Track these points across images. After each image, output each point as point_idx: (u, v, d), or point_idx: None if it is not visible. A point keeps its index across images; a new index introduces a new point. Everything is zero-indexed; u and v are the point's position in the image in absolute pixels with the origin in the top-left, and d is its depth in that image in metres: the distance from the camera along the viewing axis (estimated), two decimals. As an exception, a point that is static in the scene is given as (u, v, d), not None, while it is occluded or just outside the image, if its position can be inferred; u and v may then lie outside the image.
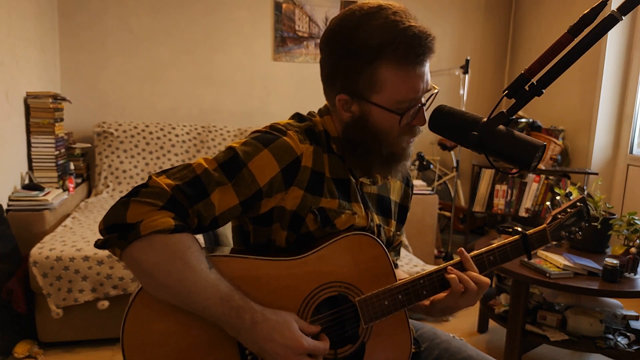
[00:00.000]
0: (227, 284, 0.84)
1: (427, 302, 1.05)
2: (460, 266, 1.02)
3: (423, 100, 0.95)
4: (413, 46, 0.87)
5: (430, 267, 2.53)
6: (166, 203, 0.83)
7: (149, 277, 0.82)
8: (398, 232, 1.18)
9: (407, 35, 0.87)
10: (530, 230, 1.12)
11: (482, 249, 1.06)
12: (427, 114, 0.97)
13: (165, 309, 0.85)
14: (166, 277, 0.81)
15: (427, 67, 0.92)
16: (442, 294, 1.02)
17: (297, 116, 1.05)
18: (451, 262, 1.03)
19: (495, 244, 1.08)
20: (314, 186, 0.97)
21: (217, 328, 0.85)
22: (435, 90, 0.97)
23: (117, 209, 0.83)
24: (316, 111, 1.07)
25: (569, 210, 1.18)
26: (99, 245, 0.84)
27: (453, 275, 0.99)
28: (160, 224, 0.81)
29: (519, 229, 1.11)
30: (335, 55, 0.94)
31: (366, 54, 0.89)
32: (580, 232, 1.19)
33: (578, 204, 1.19)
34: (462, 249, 1.02)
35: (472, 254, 1.05)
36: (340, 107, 0.97)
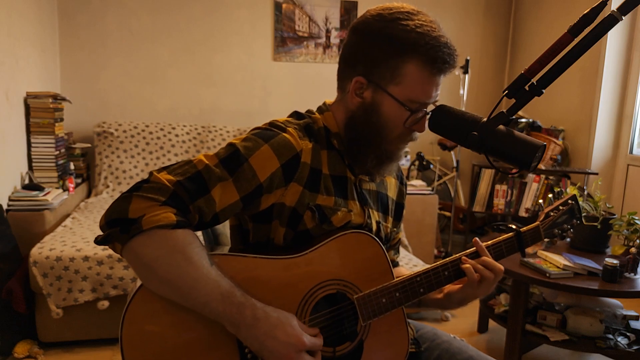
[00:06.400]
0: (227, 281, 0.84)
1: (440, 295, 1.06)
2: (475, 255, 1.03)
3: (428, 109, 0.97)
4: (443, 54, 0.91)
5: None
6: (168, 198, 0.83)
7: (150, 271, 0.82)
8: (395, 229, 1.18)
9: (440, 43, 0.92)
10: (524, 228, 1.12)
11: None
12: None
13: (164, 306, 0.85)
14: (167, 272, 0.81)
15: (442, 80, 0.96)
16: (458, 285, 1.03)
17: (295, 114, 1.06)
18: (465, 252, 1.04)
19: (490, 241, 1.08)
20: (311, 183, 0.98)
21: (216, 326, 0.85)
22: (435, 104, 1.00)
23: (118, 204, 0.83)
24: (315, 109, 1.08)
25: (561, 207, 1.19)
26: (99, 241, 0.84)
27: (468, 265, 1.00)
28: (162, 219, 0.81)
29: (513, 227, 1.12)
30: (368, 40, 0.96)
31: (399, 46, 0.92)
32: (572, 230, 1.20)
33: (570, 201, 1.20)
34: (477, 238, 1.04)
35: (467, 252, 1.05)
36: (353, 90, 0.98)
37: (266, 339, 0.83)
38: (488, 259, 1.01)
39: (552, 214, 1.18)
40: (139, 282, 0.87)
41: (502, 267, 1.01)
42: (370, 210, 1.07)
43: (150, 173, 0.87)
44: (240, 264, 0.90)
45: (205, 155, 0.91)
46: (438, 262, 1.02)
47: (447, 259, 1.03)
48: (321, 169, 0.99)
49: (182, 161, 0.90)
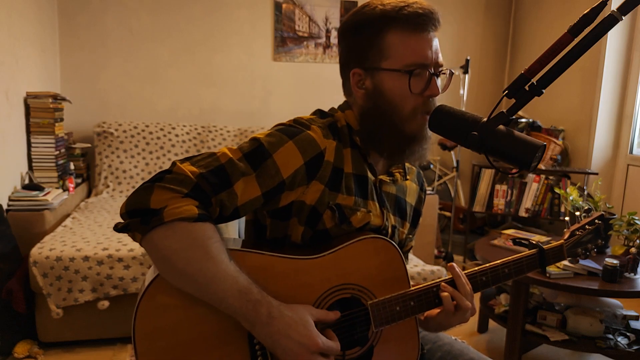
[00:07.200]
0: (245, 277, 0.84)
1: (422, 317, 1.05)
2: (453, 282, 1.00)
3: (434, 71, 0.96)
4: (416, 11, 0.93)
5: (432, 267, 2.52)
6: (190, 191, 0.83)
7: (168, 263, 0.82)
8: (410, 236, 1.18)
9: (408, 2, 0.94)
10: (547, 246, 1.10)
11: (498, 261, 1.05)
12: (440, 100, 0.98)
13: (177, 300, 0.85)
14: (186, 265, 0.81)
15: (435, 39, 0.96)
16: (435, 311, 1.01)
17: (319, 112, 1.06)
18: (446, 278, 1.01)
19: (512, 257, 1.06)
20: (333, 182, 0.97)
21: (227, 320, 0.85)
22: (448, 70, 0.99)
23: (140, 194, 0.82)
24: (336, 107, 1.08)
25: (587, 227, 1.16)
26: (119, 229, 0.84)
27: (446, 294, 0.98)
28: (184, 212, 0.80)
29: (535, 242, 1.10)
30: (349, 36, 1.00)
31: (373, 25, 0.95)
32: (595, 250, 1.17)
33: (597, 221, 1.17)
34: (453, 264, 1.01)
35: (487, 265, 1.03)
36: (354, 85, 1.00)
37: (280, 337, 0.83)
38: (463, 289, 0.98)
39: (577, 232, 1.15)
40: (146, 279, 0.87)
41: (470, 303, 0.98)
42: (387, 213, 1.06)
43: (173, 163, 0.86)
44: (256, 261, 0.90)
45: (229, 149, 0.91)
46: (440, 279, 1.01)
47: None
48: (343, 168, 0.99)
49: (206, 153, 0.90)
